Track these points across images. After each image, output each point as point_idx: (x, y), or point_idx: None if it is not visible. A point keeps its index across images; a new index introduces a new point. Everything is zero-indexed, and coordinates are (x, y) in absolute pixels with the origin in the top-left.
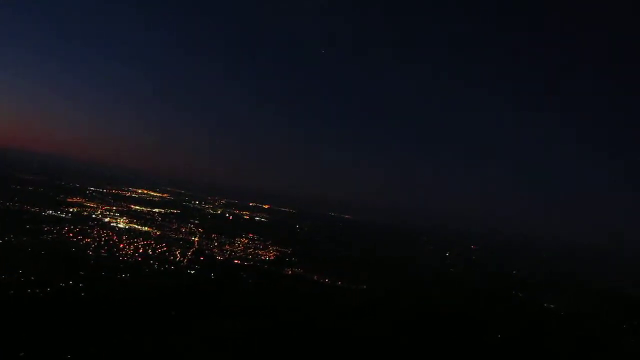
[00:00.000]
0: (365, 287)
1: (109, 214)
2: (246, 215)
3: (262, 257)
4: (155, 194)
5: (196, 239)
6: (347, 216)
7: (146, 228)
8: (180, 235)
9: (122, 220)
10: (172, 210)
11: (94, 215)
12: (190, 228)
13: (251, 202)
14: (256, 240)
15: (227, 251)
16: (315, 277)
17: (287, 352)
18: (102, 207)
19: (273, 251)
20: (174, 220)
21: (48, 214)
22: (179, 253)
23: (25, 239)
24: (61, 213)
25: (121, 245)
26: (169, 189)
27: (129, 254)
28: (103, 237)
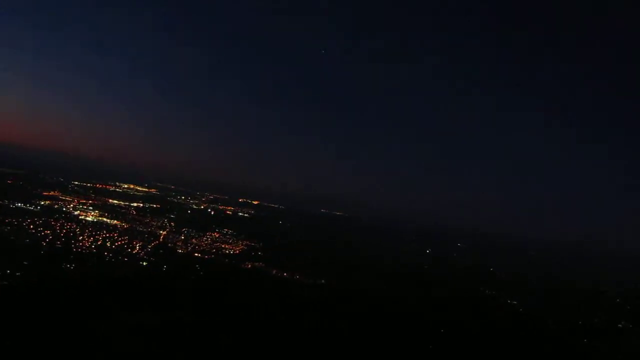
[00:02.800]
0: (323, 281)
1: (81, 208)
2: (229, 210)
3: (227, 251)
4: (141, 189)
5: (164, 232)
6: (338, 213)
7: (115, 221)
8: (149, 229)
9: (92, 213)
10: (151, 205)
11: (64, 209)
12: (163, 222)
13: (241, 199)
14: (228, 234)
15: (192, 245)
16: (274, 272)
17: (197, 346)
18: (77, 200)
19: (241, 245)
20: (149, 214)
21: (16, 206)
22: (139, 246)
23: None
24: (30, 206)
25: (80, 238)
26: (158, 184)
27: (85, 246)
28: (65, 229)
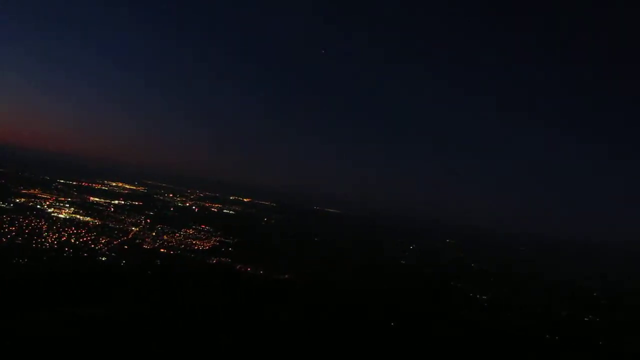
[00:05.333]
0: (286, 276)
1: (57, 205)
2: (215, 208)
3: (196, 247)
4: (129, 187)
5: (136, 229)
6: (331, 210)
7: (88, 218)
8: (121, 226)
9: (66, 210)
10: (133, 202)
11: (38, 206)
12: (139, 219)
13: (232, 196)
14: (204, 231)
15: (161, 241)
16: (238, 267)
17: (128, 336)
18: (54, 198)
19: (213, 241)
20: (127, 212)
21: None
22: (104, 242)
23: None
24: (3, 203)
25: (45, 234)
26: (149, 182)
27: (48, 242)
28: (31, 226)
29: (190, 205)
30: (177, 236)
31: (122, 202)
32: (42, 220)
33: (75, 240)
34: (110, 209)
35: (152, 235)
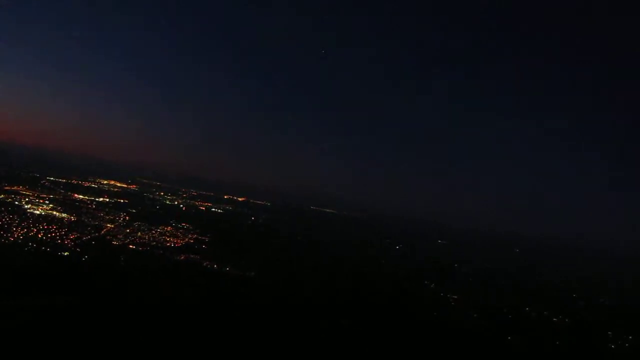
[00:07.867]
0: (253, 274)
1: (36, 202)
2: (203, 206)
3: (168, 244)
4: (120, 185)
5: (111, 226)
6: (327, 210)
7: (64, 215)
8: (96, 222)
9: (44, 207)
10: (119, 200)
11: (16, 203)
12: (119, 216)
13: (226, 195)
14: (183, 228)
15: (134, 237)
16: (205, 263)
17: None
18: (34, 194)
19: (188, 239)
20: (108, 209)
21: None
22: (72, 238)
23: None
24: None
25: (13, 229)
26: (144, 181)
27: (14, 237)
28: (1, 222)
29: (179, 204)
30: (153, 233)
31: (107, 200)
32: (15, 216)
33: (43, 236)
34: (92, 206)
35: (126, 232)
